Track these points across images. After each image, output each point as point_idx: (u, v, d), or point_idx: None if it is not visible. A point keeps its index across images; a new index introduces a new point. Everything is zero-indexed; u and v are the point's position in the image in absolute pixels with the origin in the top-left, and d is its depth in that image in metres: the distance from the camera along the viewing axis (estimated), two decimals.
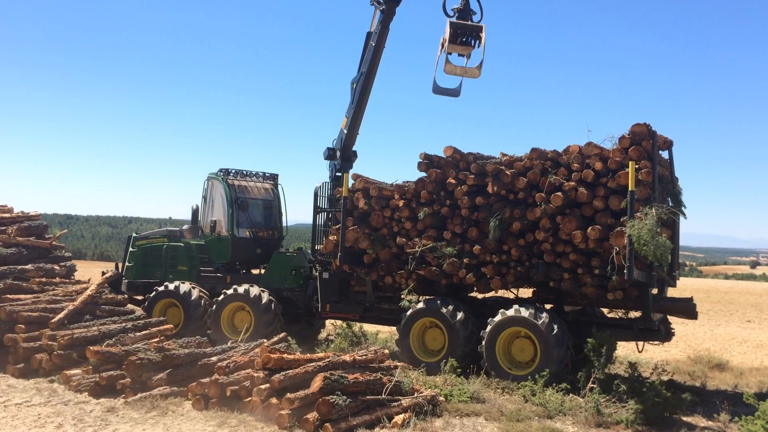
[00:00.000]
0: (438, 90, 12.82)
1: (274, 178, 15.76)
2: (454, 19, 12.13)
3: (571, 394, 9.41)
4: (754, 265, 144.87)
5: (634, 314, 11.14)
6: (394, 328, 12.31)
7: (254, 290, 13.02)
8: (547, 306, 11.30)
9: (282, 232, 15.46)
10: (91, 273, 17.80)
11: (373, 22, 14.01)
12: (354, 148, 14.49)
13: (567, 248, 10.32)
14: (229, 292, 13.13)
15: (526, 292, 12.08)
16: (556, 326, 10.21)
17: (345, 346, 11.85)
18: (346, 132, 14.07)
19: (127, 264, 14.84)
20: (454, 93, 12.87)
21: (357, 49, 14.31)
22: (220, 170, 14.66)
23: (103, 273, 13.81)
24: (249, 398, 7.94)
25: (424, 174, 11.65)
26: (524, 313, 10.41)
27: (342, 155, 14.10)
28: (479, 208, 10.98)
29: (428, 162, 11.67)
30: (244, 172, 15.09)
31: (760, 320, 27.51)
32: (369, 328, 13.71)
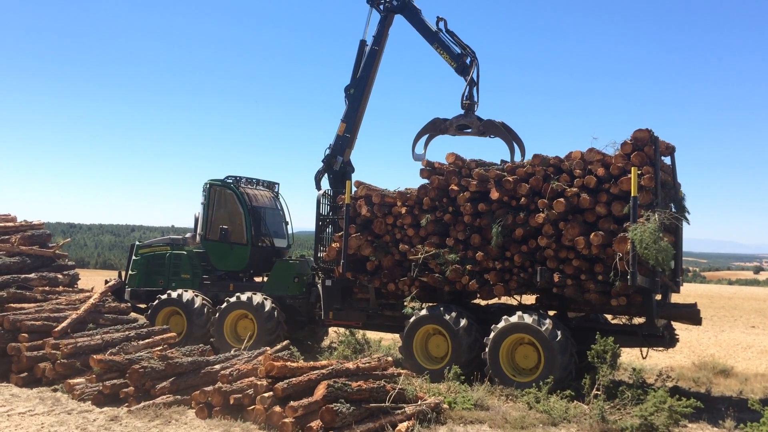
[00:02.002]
0: (417, 157, 13.44)
1: (275, 186, 15.80)
2: (462, 112, 13.34)
3: (575, 401, 9.38)
4: (758, 270, 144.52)
5: (638, 320, 11.10)
6: (397, 336, 12.29)
7: (257, 298, 13.01)
8: (551, 312, 11.27)
9: (289, 240, 15.50)
10: (94, 281, 17.83)
11: (367, 27, 14.15)
12: (350, 158, 14.58)
13: (570, 254, 10.31)
14: (232, 299, 13.12)
15: (529, 299, 12.07)
16: (559, 333, 10.19)
17: (348, 353, 11.82)
18: (349, 137, 14.18)
19: (130, 272, 14.83)
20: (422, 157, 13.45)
21: (350, 54, 14.44)
22: (228, 177, 14.65)
23: (107, 281, 13.83)
24: (252, 406, 7.92)
25: (426, 181, 11.67)
26: (528, 319, 10.40)
27: (342, 160, 14.20)
28: (482, 215, 10.98)
29: (430, 169, 11.68)
30: (250, 179, 15.12)
31: (765, 326, 27.42)
32: (372, 335, 13.68)
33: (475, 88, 13.35)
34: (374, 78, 14.33)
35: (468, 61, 13.35)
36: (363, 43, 14.29)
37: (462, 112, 13.38)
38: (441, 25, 13.62)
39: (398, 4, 13.86)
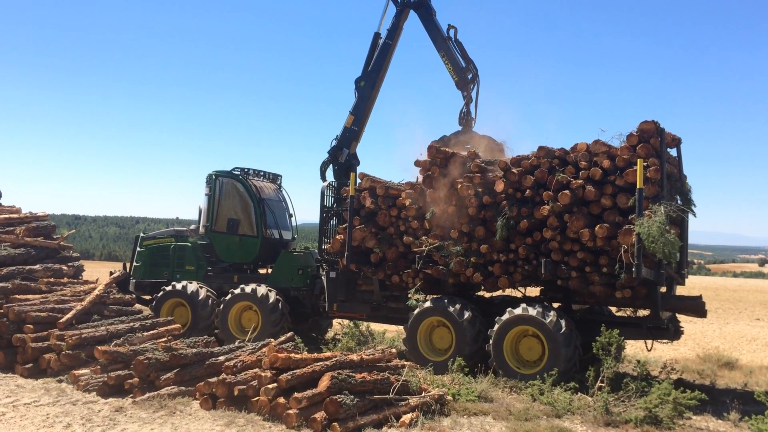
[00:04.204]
0: None
1: (278, 178, 15.79)
2: (460, 128, 13.57)
3: (579, 393, 9.36)
4: (763, 263, 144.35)
5: (643, 312, 11.09)
6: (401, 327, 12.31)
7: (261, 290, 13.02)
8: (555, 305, 11.25)
9: (294, 232, 15.51)
10: (99, 273, 17.89)
11: (382, 20, 14.09)
12: (356, 150, 14.56)
13: (575, 246, 10.27)
14: (237, 291, 13.13)
15: (533, 291, 12.05)
16: (563, 325, 10.17)
17: (352, 345, 11.84)
18: (356, 129, 14.18)
19: (134, 264, 14.87)
20: None
21: (359, 48, 14.49)
22: (235, 169, 14.62)
23: (111, 273, 13.86)
24: (257, 398, 7.93)
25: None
26: (532, 311, 10.38)
27: (348, 152, 14.18)
28: (486, 207, 10.95)
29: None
30: (256, 171, 15.10)
31: None
32: (376, 327, 13.70)
33: (473, 105, 13.40)
34: (386, 72, 14.29)
35: (470, 77, 13.35)
36: (377, 35, 14.24)
37: (460, 128, 13.43)
38: (451, 33, 13.57)
39: (415, 1, 13.82)
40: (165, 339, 10.50)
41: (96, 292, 11.67)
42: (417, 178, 11.97)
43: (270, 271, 14.35)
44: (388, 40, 14.03)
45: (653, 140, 9.99)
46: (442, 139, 13.08)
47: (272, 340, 10.19)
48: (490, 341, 10.62)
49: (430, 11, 13.73)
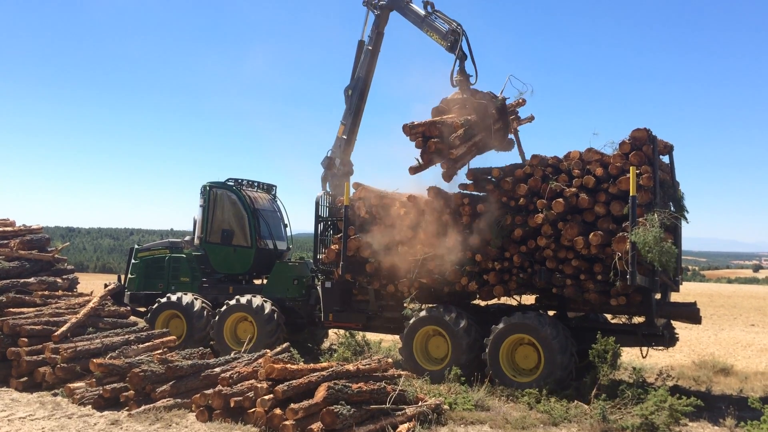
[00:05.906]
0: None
1: (272, 188, 15.81)
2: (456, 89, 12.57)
3: (576, 401, 9.38)
4: (757, 268, 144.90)
5: (638, 319, 11.11)
6: (397, 337, 12.29)
7: (257, 300, 13.00)
8: (551, 312, 11.28)
9: (288, 242, 15.50)
10: (93, 285, 17.82)
11: (365, 28, 14.12)
12: (350, 159, 14.55)
13: (569, 254, 10.31)
14: (232, 302, 13.11)
15: (528, 299, 12.07)
16: (559, 332, 10.19)
17: (348, 355, 11.81)
18: (345, 138, 14.17)
19: (129, 276, 14.83)
20: None
21: (350, 53, 14.47)
22: (229, 180, 14.64)
23: (106, 285, 13.80)
24: (253, 409, 7.92)
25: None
26: (527, 319, 10.39)
27: (340, 162, 14.19)
28: (480, 216, 10.98)
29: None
30: (250, 182, 15.11)
31: (764, 324, 27.42)
32: (372, 336, 13.67)
33: (468, 61, 12.64)
34: (371, 78, 14.31)
35: (455, 38, 12.92)
36: (361, 43, 14.30)
37: (456, 89, 12.67)
38: (429, 9, 13.38)
39: (387, 2, 13.82)
40: (160, 351, 10.46)
41: (91, 304, 11.63)
42: (417, 161, 11.86)
43: (265, 281, 14.33)
44: (370, 47, 14.09)
45: (645, 148, 10.06)
46: (443, 102, 12.68)
47: (268, 350, 10.17)
48: (486, 350, 10.62)
49: (403, 2, 13.49)
